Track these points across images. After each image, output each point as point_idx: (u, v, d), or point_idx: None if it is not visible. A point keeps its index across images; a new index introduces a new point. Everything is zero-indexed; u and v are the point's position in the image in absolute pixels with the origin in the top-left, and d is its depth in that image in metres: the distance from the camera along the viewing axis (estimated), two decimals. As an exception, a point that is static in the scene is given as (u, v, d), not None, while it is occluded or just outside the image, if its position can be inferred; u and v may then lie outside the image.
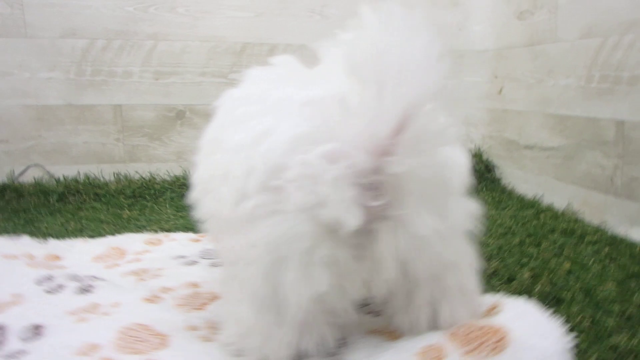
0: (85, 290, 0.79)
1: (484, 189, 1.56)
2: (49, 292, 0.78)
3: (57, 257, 0.97)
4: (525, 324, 0.58)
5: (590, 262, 0.96)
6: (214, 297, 0.79)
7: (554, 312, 0.66)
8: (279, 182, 0.50)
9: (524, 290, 0.84)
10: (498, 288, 0.86)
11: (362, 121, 0.49)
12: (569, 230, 1.15)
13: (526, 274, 0.91)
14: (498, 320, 0.60)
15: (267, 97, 0.58)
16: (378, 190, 0.50)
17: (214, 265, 0.93)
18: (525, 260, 0.98)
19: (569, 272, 0.93)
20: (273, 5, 1.60)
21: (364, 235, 0.52)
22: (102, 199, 1.49)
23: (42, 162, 1.58)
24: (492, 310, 0.65)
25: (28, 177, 1.57)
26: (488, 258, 0.99)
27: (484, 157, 1.68)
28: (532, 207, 1.34)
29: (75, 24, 1.52)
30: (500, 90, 1.60)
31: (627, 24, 1.10)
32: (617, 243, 1.06)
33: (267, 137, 0.52)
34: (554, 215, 1.27)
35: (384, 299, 0.59)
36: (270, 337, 0.54)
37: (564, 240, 1.09)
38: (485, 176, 1.63)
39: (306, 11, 1.63)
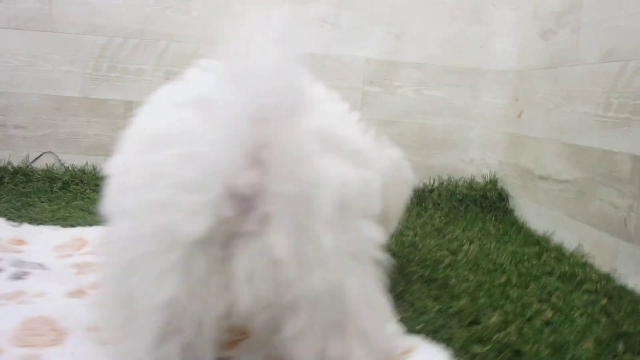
0: (18, 277, 0.77)
1: (493, 219, 1.43)
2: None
3: (21, 242, 0.96)
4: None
5: (577, 314, 0.83)
6: None
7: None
8: (128, 180, 0.45)
9: (483, 338, 0.73)
10: (453, 330, 0.75)
11: (219, 127, 0.43)
12: (568, 274, 1.02)
13: (494, 319, 0.80)
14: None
15: (163, 96, 0.53)
16: (234, 201, 0.43)
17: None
18: (502, 302, 0.87)
19: (548, 322, 0.80)
20: (283, 12, 1.56)
21: (224, 249, 0.45)
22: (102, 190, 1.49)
23: (56, 150, 1.62)
24: (403, 355, 0.55)
25: (41, 164, 1.61)
26: (457, 295, 0.88)
27: (499, 185, 1.55)
28: (537, 245, 1.21)
29: (96, 21, 1.55)
30: (520, 114, 1.47)
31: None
32: (619, 295, 0.92)
33: (134, 135, 0.47)
34: (559, 255, 1.13)
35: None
36: (125, 342, 0.49)
37: (558, 286, 0.96)
38: (496, 206, 1.50)
39: (317, 20, 1.57)
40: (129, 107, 1.59)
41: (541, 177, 1.34)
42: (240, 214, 0.44)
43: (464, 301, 0.86)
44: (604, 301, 0.89)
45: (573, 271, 1.03)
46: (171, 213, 0.44)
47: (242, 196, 0.43)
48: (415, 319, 0.79)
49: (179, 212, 0.43)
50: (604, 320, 0.82)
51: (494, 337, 0.73)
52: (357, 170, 0.50)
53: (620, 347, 0.73)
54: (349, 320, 0.50)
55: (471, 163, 1.62)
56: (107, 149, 1.59)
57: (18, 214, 1.19)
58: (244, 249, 0.45)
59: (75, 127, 1.60)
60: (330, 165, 0.47)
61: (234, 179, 0.43)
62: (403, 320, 0.77)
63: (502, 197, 1.51)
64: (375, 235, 0.51)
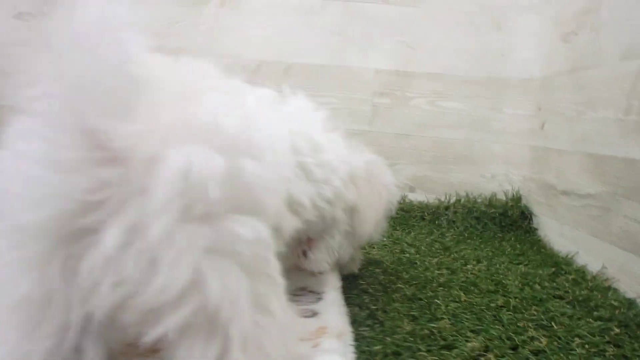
0: None
1: (512, 239, 1.29)
2: None
3: None
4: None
5: (577, 344, 0.70)
6: None
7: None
8: None
9: (450, 364, 0.63)
10: (419, 354, 0.65)
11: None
12: (581, 299, 0.88)
13: (473, 344, 0.68)
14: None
15: None
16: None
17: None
18: (489, 326, 0.75)
19: (538, 351, 0.68)
20: (294, 23, 1.52)
21: (76, 246, 0.39)
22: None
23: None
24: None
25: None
26: (439, 317, 0.77)
27: (522, 202, 1.41)
28: (554, 267, 1.07)
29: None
30: (543, 125, 1.34)
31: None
32: (639, 325, 0.78)
33: None
34: (578, 279, 0.99)
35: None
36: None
37: (565, 311, 0.82)
38: (518, 224, 1.36)
39: (327, 31, 1.52)
40: (139, 120, 1.59)
41: (564, 193, 1.20)
42: (80, 209, 0.39)
43: (443, 323, 0.75)
44: (617, 330, 0.75)
45: (589, 296, 0.89)
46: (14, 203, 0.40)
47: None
48: (378, 339, 0.69)
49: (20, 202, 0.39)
50: (610, 351, 0.68)
51: (464, 365, 0.62)
52: (228, 160, 0.42)
53: (622, 384, 0.60)
54: (218, 324, 0.42)
55: (493, 179, 1.49)
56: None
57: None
58: (88, 247, 0.39)
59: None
60: (180, 154, 0.40)
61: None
62: (361, 339, 0.68)
63: (524, 216, 1.37)
64: (247, 232, 0.42)
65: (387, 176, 0.88)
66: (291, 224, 0.60)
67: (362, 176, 0.82)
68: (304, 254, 0.82)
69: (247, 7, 1.53)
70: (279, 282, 0.48)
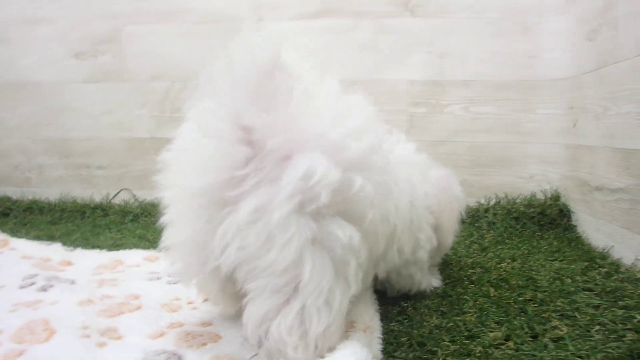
0: (44, 289, 0.88)
1: (551, 237, 1.33)
2: (21, 287, 0.89)
3: (69, 263, 1.09)
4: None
5: (596, 331, 0.76)
6: (136, 308, 0.83)
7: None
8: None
9: (470, 352, 0.70)
10: (442, 343, 0.72)
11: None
12: (610, 290, 0.92)
13: (495, 334, 0.75)
14: None
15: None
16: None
17: (170, 282, 0.96)
18: (513, 318, 0.81)
19: (558, 339, 0.74)
20: (326, 41, 1.63)
21: (222, 209, 0.58)
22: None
23: (131, 187, 1.82)
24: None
25: (119, 199, 1.81)
26: (466, 311, 0.85)
27: (561, 200, 1.44)
28: (590, 261, 1.10)
29: (160, 69, 1.75)
30: (575, 123, 1.37)
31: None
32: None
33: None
34: (611, 272, 1.02)
35: None
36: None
37: (592, 302, 0.87)
38: (557, 222, 1.39)
39: (358, 47, 1.61)
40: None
41: (597, 188, 1.23)
42: (229, 182, 0.56)
43: (469, 316, 0.82)
44: (639, 318, 0.79)
45: (618, 287, 0.93)
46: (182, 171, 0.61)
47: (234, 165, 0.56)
48: (405, 332, 0.77)
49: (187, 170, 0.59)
50: (629, 337, 0.73)
51: (482, 352, 0.70)
52: (343, 174, 0.56)
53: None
54: (296, 297, 0.56)
55: (531, 179, 1.53)
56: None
57: (81, 242, 1.34)
58: (228, 213, 0.56)
59: (147, 164, 1.79)
60: (308, 159, 0.54)
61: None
62: (389, 333, 0.77)
63: (563, 213, 1.40)
64: (342, 235, 0.56)
65: (457, 187, 0.98)
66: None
67: (441, 193, 0.93)
68: None
69: (282, 31, 1.66)
70: (351, 288, 0.60)
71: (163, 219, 0.67)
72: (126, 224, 1.63)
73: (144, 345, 0.68)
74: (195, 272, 0.66)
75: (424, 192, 0.89)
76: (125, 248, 1.27)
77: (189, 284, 0.70)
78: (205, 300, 0.84)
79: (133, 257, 1.13)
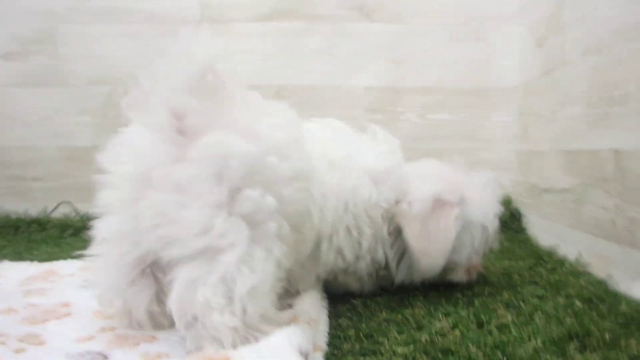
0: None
1: (503, 239, 1.40)
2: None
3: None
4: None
5: (539, 317, 0.82)
6: (65, 315, 0.81)
7: None
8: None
9: (415, 340, 0.74)
10: (389, 334, 0.77)
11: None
12: (554, 282, 1.00)
13: (441, 324, 0.80)
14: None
15: None
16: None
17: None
18: (459, 309, 0.87)
19: (502, 326, 0.79)
20: (281, 47, 1.68)
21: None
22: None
23: (72, 199, 1.79)
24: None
25: (59, 213, 1.78)
26: (413, 304, 0.89)
27: (513, 205, 1.53)
28: (537, 258, 1.18)
29: (101, 72, 1.74)
30: (526, 129, 1.47)
31: (618, 32, 0.97)
32: (601, 299, 0.89)
33: None
34: (556, 267, 1.11)
35: None
36: None
37: (537, 293, 0.94)
38: (508, 226, 1.48)
39: (315, 52, 1.67)
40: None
41: (545, 190, 1.32)
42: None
43: (418, 310, 0.87)
44: (580, 305, 0.86)
45: (562, 280, 1.01)
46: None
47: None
48: (353, 325, 0.81)
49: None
50: (568, 321, 0.80)
51: (428, 339, 0.74)
52: (256, 150, 0.63)
53: (573, 346, 0.71)
54: (217, 263, 0.60)
55: (483, 185, 1.61)
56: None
57: (17, 257, 1.31)
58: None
59: (89, 175, 1.77)
60: (217, 134, 0.61)
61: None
62: (337, 327, 0.80)
63: (514, 217, 1.49)
64: (254, 195, 0.62)
65: (471, 198, 0.95)
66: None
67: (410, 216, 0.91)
68: None
69: (235, 33, 1.69)
70: (273, 253, 0.64)
71: (97, 209, 0.72)
72: (65, 238, 1.61)
73: (68, 349, 0.67)
74: (119, 279, 0.70)
75: (368, 196, 0.90)
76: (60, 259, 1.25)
77: (109, 305, 0.74)
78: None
79: (68, 267, 1.10)
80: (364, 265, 0.92)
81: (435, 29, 1.63)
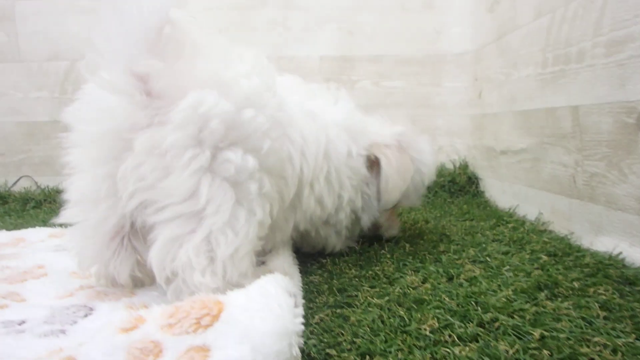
0: None
1: (461, 202, 1.36)
2: None
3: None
4: (248, 301, 0.45)
5: (507, 270, 0.77)
6: (41, 275, 0.75)
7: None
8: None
9: (388, 293, 0.68)
10: (361, 289, 0.70)
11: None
12: (516, 239, 0.95)
13: (411, 278, 0.74)
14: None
15: None
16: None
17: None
18: (428, 265, 0.81)
19: (471, 279, 0.74)
20: (234, 19, 1.58)
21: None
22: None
23: (32, 174, 1.65)
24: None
25: (20, 187, 1.64)
26: (382, 262, 0.83)
27: (470, 169, 1.49)
28: (497, 219, 1.14)
29: (58, 48, 1.60)
30: (480, 94, 1.43)
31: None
32: (566, 253, 0.85)
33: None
34: (517, 226, 1.06)
35: None
36: None
37: (501, 249, 0.89)
38: (466, 189, 1.44)
39: (268, 24, 1.58)
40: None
41: (502, 152, 1.28)
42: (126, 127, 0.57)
43: (387, 266, 0.81)
44: (545, 258, 0.82)
45: (524, 237, 0.96)
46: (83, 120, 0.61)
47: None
48: (325, 282, 0.74)
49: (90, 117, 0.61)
50: (536, 273, 0.75)
51: (400, 292, 0.68)
52: (234, 106, 0.57)
53: (543, 295, 0.67)
54: (200, 225, 0.55)
55: (440, 151, 1.57)
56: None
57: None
58: (125, 159, 0.57)
59: (49, 150, 1.64)
60: (198, 93, 0.56)
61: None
62: (310, 284, 0.74)
63: (472, 181, 1.45)
64: (235, 157, 0.57)
65: (421, 148, 0.94)
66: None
67: (387, 147, 0.89)
68: None
69: (186, 6, 1.58)
70: (256, 214, 0.60)
71: (66, 171, 0.65)
72: (28, 210, 1.48)
73: (51, 304, 0.62)
74: (98, 247, 0.65)
75: (347, 150, 0.85)
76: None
77: (88, 269, 0.68)
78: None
79: (37, 234, 1.03)
80: (343, 217, 0.87)
81: (385, 0, 1.56)
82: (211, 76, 0.58)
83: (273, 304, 0.45)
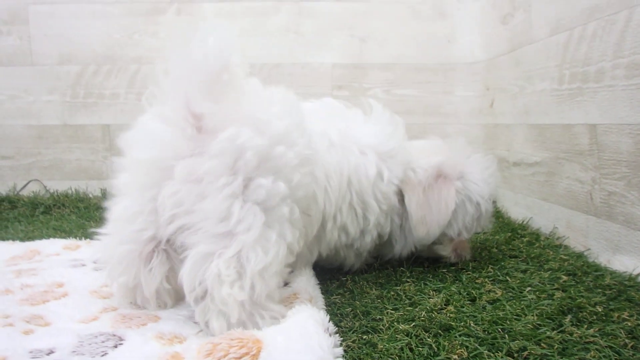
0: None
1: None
2: None
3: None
4: (288, 341, 0.45)
5: (528, 292, 0.77)
6: (62, 295, 0.74)
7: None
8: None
9: (414, 317, 0.68)
10: (385, 311, 0.70)
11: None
12: (534, 256, 0.95)
13: (435, 300, 0.74)
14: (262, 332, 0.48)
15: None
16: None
17: (96, 269, 0.87)
18: (449, 285, 0.80)
19: (494, 301, 0.74)
20: (246, 23, 1.57)
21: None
22: (82, 212, 1.49)
23: (41, 177, 1.64)
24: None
25: (28, 191, 1.63)
26: (403, 281, 0.83)
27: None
28: (511, 232, 1.14)
29: (70, 52, 1.59)
30: (492, 104, 1.42)
31: (589, 10, 0.91)
32: (584, 272, 0.84)
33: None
34: (532, 240, 1.06)
35: None
36: None
37: (520, 267, 0.89)
38: (477, 199, 1.43)
39: (281, 30, 1.57)
40: (106, 131, 1.60)
41: (515, 164, 1.27)
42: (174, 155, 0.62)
43: (408, 285, 0.81)
44: (565, 278, 0.82)
45: (541, 253, 0.96)
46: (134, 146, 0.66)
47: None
48: (348, 303, 0.74)
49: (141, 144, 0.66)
50: (558, 295, 0.75)
51: (426, 316, 0.68)
52: (267, 141, 0.61)
53: (568, 320, 0.66)
54: (232, 243, 0.58)
55: (451, 159, 1.56)
56: (88, 173, 1.63)
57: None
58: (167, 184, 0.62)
59: (58, 153, 1.63)
60: (233, 129, 0.60)
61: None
62: (332, 305, 0.73)
63: (482, 191, 1.44)
64: (267, 182, 0.60)
65: (468, 174, 0.90)
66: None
67: (417, 184, 0.87)
68: None
69: (202, 14, 1.57)
70: (286, 237, 0.63)
71: (114, 192, 0.69)
72: (37, 216, 1.47)
73: (76, 329, 0.61)
74: (131, 254, 0.67)
75: (376, 172, 0.84)
76: (39, 239, 1.14)
77: (117, 279, 0.69)
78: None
79: (51, 246, 1.02)
80: (369, 240, 0.87)
81: (399, 6, 1.55)
82: (249, 116, 0.63)
83: (314, 345, 0.44)
